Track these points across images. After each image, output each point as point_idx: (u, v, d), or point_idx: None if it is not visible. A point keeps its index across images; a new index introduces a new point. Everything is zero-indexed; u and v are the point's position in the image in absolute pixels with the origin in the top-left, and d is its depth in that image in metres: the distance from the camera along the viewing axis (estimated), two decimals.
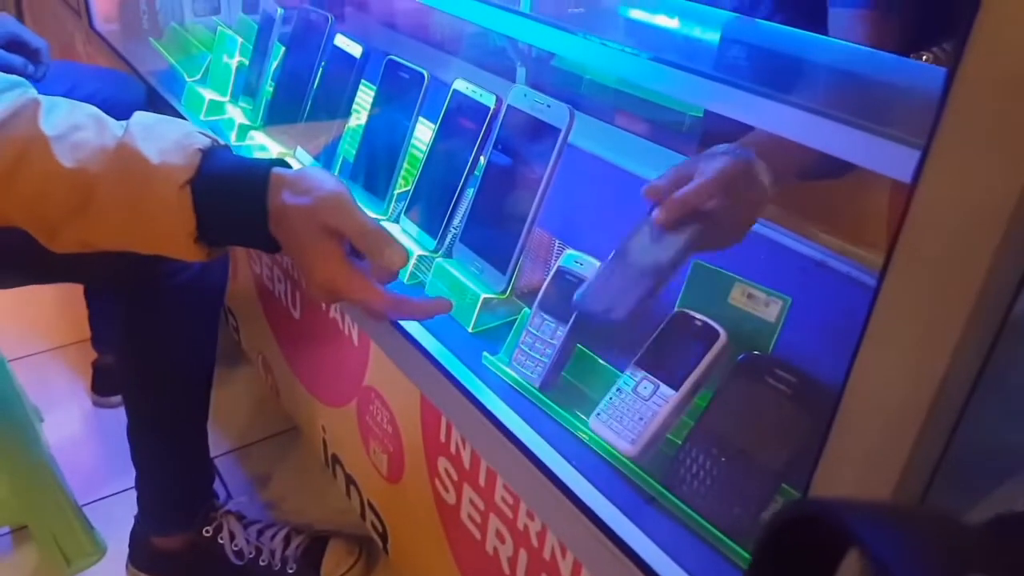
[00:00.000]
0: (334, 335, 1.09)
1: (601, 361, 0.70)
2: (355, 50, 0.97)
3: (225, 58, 1.30)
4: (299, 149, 1.05)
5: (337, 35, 1.01)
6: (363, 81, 1.00)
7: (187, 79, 1.35)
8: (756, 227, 0.96)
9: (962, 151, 0.34)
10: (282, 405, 1.43)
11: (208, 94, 1.23)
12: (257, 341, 1.44)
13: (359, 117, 1.00)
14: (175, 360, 1.02)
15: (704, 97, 0.66)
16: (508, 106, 0.78)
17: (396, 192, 0.92)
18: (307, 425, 1.33)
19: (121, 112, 1.24)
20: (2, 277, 0.93)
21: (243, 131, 1.15)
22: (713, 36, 0.80)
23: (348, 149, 1.02)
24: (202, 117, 1.22)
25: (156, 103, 1.31)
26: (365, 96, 1.01)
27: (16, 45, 1.13)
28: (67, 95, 1.16)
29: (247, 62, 1.26)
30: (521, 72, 1.24)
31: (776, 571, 0.34)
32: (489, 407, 0.69)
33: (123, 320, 1.00)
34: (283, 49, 1.16)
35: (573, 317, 0.69)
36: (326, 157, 1.02)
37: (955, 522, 0.31)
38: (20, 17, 2.47)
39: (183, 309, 0.96)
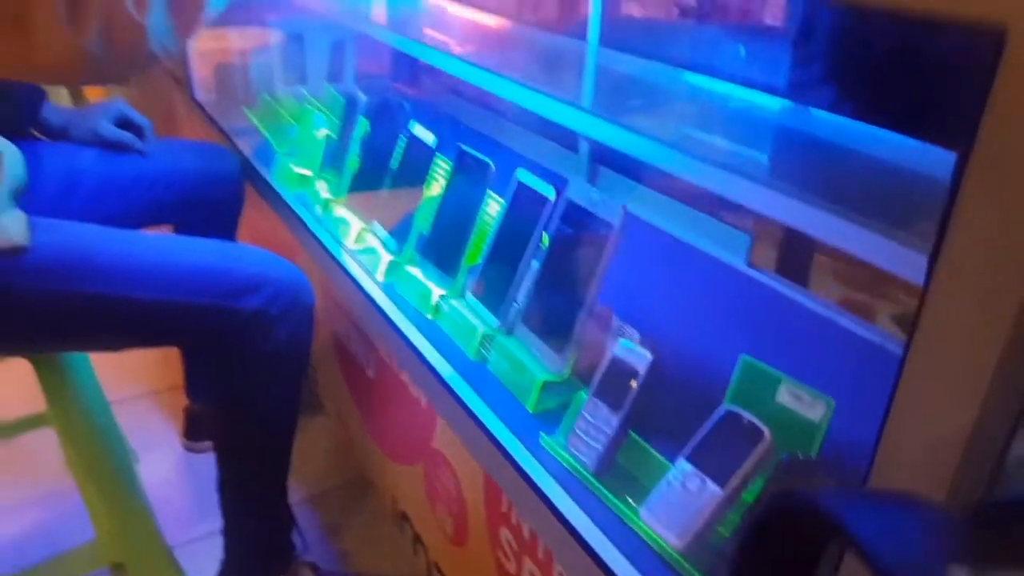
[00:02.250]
0: (405, 397, 1.15)
1: (653, 451, 0.73)
2: (428, 138, 1.04)
3: (312, 132, 1.40)
4: (375, 223, 1.12)
5: (414, 123, 1.09)
6: (437, 162, 1.06)
7: (277, 150, 1.46)
8: (813, 306, 0.97)
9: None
10: (355, 456, 1.50)
11: (297, 169, 1.33)
12: (333, 394, 1.52)
13: (432, 198, 1.07)
14: (263, 421, 1.10)
15: (753, 201, 0.70)
16: (566, 199, 0.83)
17: (464, 271, 0.98)
18: (378, 479, 1.40)
19: (218, 184, 1.36)
20: (105, 341, 1.02)
21: (326, 204, 1.24)
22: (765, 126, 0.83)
23: (423, 223, 1.08)
24: (291, 190, 1.32)
25: (250, 174, 1.42)
26: (438, 179, 1.08)
27: (126, 123, 1.25)
28: (168, 169, 1.28)
29: (334, 136, 1.35)
30: (584, 146, 1.29)
31: (760, 561, 0.34)
32: (544, 489, 0.73)
33: (216, 383, 1.08)
34: (366, 127, 1.25)
35: (626, 406, 0.72)
36: (402, 231, 1.08)
37: (940, 511, 0.32)
38: (128, 87, 2.68)
39: (272, 375, 1.04)
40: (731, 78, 1.03)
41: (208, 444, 1.56)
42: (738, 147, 0.88)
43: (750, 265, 1.09)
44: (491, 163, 0.94)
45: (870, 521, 0.29)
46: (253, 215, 1.48)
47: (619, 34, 1.24)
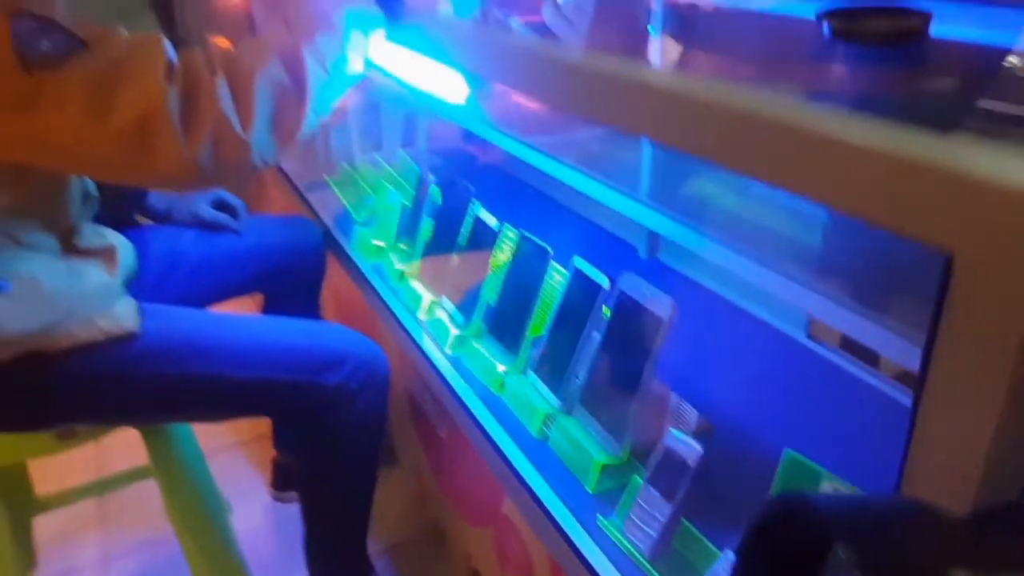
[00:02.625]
0: (474, 462, 1.21)
1: (705, 540, 0.77)
2: (492, 221, 1.11)
3: (387, 201, 1.49)
4: (444, 297, 1.19)
5: (479, 206, 1.16)
6: (501, 242, 1.13)
7: (356, 219, 1.56)
8: (876, 383, 0.98)
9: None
10: (430, 510, 1.56)
11: (374, 241, 1.42)
12: (408, 449, 1.60)
13: (497, 276, 1.13)
14: (344, 483, 1.18)
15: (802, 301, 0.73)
16: (619, 290, 0.88)
17: (527, 348, 1.03)
18: (452, 534, 1.46)
19: (303, 255, 1.46)
20: (205, 415, 1.13)
21: (400, 276, 1.32)
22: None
23: (489, 296, 1.15)
24: (368, 260, 1.41)
25: (331, 243, 1.52)
26: (502, 258, 1.14)
27: (222, 205, 1.37)
28: (259, 244, 1.39)
29: (408, 204, 1.44)
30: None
31: (763, 565, 0.33)
32: (600, 571, 0.77)
33: (301, 447, 1.17)
34: (438, 198, 1.33)
35: (679, 496, 0.76)
36: (469, 305, 1.15)
37: (939, 515, 0.31)
38: None
39: (352, 442, 1.12)
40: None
41: (294, 494, 1.66)
42: (789, 238, 0.91)
43: (810, 337, 1.11)
44: (550, 250, 1.00)
45: (868, 525, 0.28)
46: (336, 279, 1.58)
47: None
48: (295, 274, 1.43)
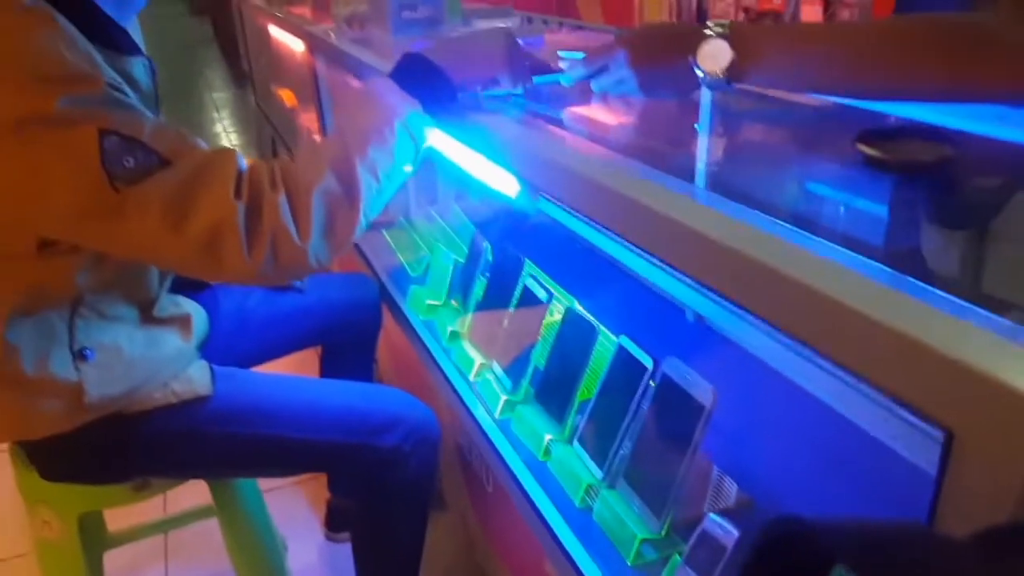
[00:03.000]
0: (519, 520, 1.25)
1: None
2: (542, 294, 1.16)
3: (441, 258, 1.55)
4: (494, 361, 1.25)
5: (528, 277, 1.21)
6: (551, 312, 1.18)
7: (411, 274, 1.63)
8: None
9: None
10: (477, 557, 1.61)
11: (428, 301, 1.48)
12: (456, 497, 1.64)
13: (546, 343, 1.18)
14: (395, 536, 1.24)
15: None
16: (662, 372, 0.92)
17: (572, 418, 1.07)
18: None
19: (360, 310, 1.53)
20: (267, 472, 1.20)
21: (452, 336, 1.38)
22: None
23: (538, 361, 1.19)
24: (421, 317, 1.48)
25: (387, 298, 1.59)
26: (550, 327, 1.19)
27: None
28: (320, 301, 1.46)
29: (461, 260, 1.50)
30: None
31: None
32: None
33: (354, 501, 1.24)
34: (489, 259, 1.39)
35: None
36: (517, 369, 1.20)
37: (942, 539, 0.32)
38: None
39: (403, 500, 1.18)
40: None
41: (347, 535, 1.72)
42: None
43: None
44: (597, 326, 1.04)
45: (870, 548, 0.28)
46: (391, 331, 1.64)
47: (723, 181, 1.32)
48: (353, 329, 1.50)
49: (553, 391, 1.11)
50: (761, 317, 0.53)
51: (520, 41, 0.99)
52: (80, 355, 0.95)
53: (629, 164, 0.77)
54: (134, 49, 0.93)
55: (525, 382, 1.17)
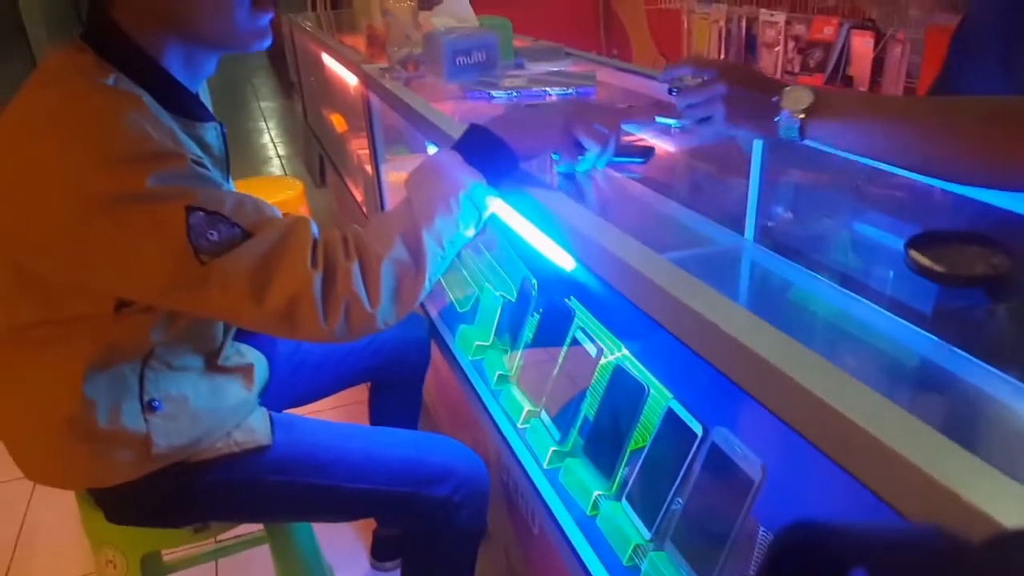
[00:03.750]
0: (565, 570, 1.26)
1: None
2: (592, 349, 1.18)
3: (490, 296, 1.58)
4: (543, 409, 1.27)
5: (579, 330, 1.23)
6: (600, 369, 1.19)
7: (460, 310, 1.66)
8: None
9: None
10: None
11: (477, 340, 1.51)
12: (501, 530, 1.67)
13: (596, 394, 1.19)
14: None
15: None
16: (712, 441, 0.93)
17: (621, 474, 1.09)
18: None
19: (410, 347, 1.56)
20: (320, 518, 1.24)
21: (501, 380, 1.40)
22: None
23: (588, 412, 1.21)
24: (470, 358, 1.50)
25: (435, 336, 1.62)
26: (600, 382, 1.20)
27: None
28: (372, 340, 1.49)
29: (511, 299, 1.52)
30: None
31: None
32: None
33: (403, 548, 1.27)
34: (540, 302, 1.41)
35: None
36: (566, 418, 1.22)
37: (957, 542, 0.31)
38: None
39: (451, 549, 1.21)
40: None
41: (393, 564, 1.76)
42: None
43: None
44: (647, 386, 1.05)
45: (885, 552, 0.28)
46: (439, 364, 1.67)
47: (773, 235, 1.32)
48: (402, 365, 1.54)
49: (602, 445, 1.13)
50: (794, 430, 0.55)
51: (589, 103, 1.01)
52: (149, 406, 0.99)
53: (672, 261, 0.79)
54: (206, 115, 0.97)
55: (574, 432, 1.19)
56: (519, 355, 1.42)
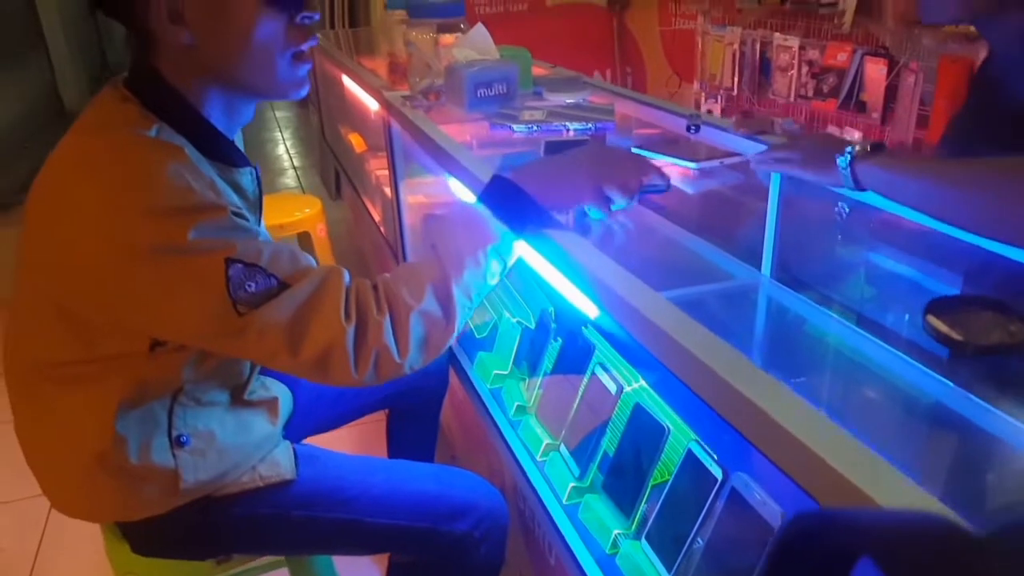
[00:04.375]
0: None
1: None
2: (612, 386, 1.20)
3: (509, 322, 1.60)
4: (562, 443, 1.28)
5: (598, 366, 1.25)
6: (620, 407, 1.21)
7: (478, 337, 1.68)
8: None
9: None
10: None
11: (495, 369, 1.53)
12: (519, 563, 1.68)
13: (616, 430, 1.21)
14: None
15: None
16: (732, 486, 0.94)
17: (640, 513, 1.10)
18: None
19: (428, 375, 1.58)
20: (343, 551, 1.25)
21: (520, 411, 1.42)
22: None
23: (609, 446, 1.22)
24: (488, 386, 1.52)
25: (454, 362, 1.64)
26: (620, 414, 1.22)
27: None
28: None
29: (531, 326, 1.54)
30: None
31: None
32: None
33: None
34: (557, 346, 1.42)
35: None
36: (585, 453, 1.23)
37: (963, 532, 0.31)
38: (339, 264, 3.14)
39: None
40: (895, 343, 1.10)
41: None
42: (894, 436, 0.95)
43: None
44: (667, 428, 1.07)
45: (892, 540, 0.29)
46: (456, 389, 1.69)
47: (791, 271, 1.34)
48: (421, 393, 1.56)
49: (622, 481, 1.15)
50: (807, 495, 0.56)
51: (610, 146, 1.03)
52: (177, 441, 1.01)
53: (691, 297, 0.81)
54: (242, 161, 1.00)
55: (593, 468, 1.21)
56: (538, 384, 1.44)
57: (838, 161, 0.90)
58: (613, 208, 1.01)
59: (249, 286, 0.84)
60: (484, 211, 0.94)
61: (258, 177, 1.04)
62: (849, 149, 0.90)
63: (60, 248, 0.87)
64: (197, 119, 0.93)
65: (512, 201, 0.95)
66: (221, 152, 0.96)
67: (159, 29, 0.88)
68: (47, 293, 0.92)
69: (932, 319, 0.73)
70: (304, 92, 0.98)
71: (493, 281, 0.96)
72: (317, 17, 0.96)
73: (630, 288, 0.89)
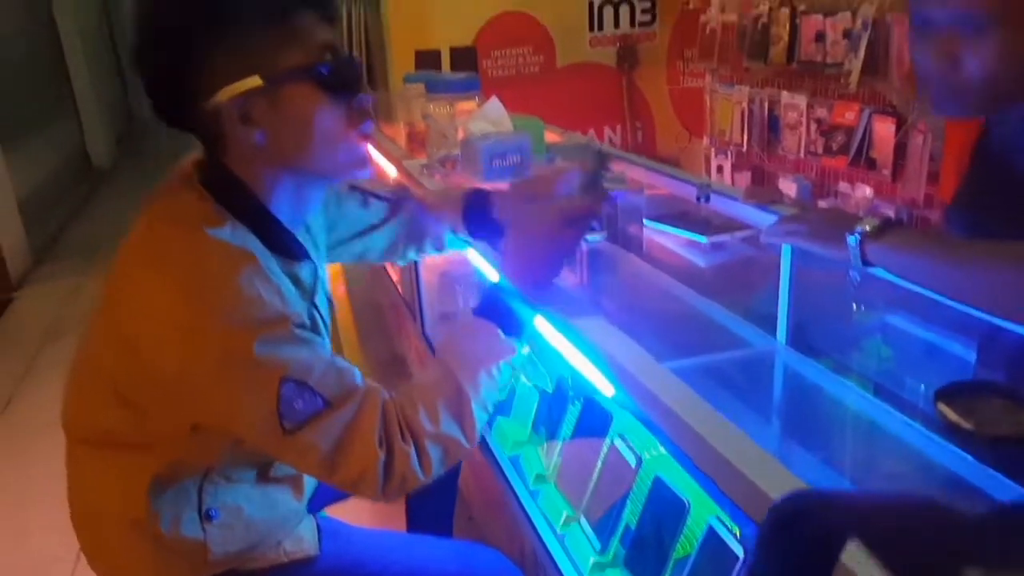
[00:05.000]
0: None
1: None
2: (631, 458, 1.21)
3: (527, 390, 1.61)
4: (582, 515, 1.29)
5: (617, 437, 1.26)
6: (638, 481, 1.21)
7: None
8: None
9: None
10: None
11: (513, 435, 1.54)
12: None
13: (636, 502, 1.21)
14: None
15: None
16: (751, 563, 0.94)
17: None
18: None
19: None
20: None
21: (539, 480, 1.43)
22: None
23: (630, 518, 1.22)
24: (507, 454, 1.53)
25: None
26: (641, 486, 1.22)
27: None
28: None
29: (549, 390, 1.55)
30: None
31: (778, 556, 0.33)
32: None
33: None
34: (576, 411, 1.44)
35: None
36: (606, 526, 1.23)
37: (956, 514, 0.31)
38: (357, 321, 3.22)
39: None
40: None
41: None
42: None
43: None
44: (687, 503, 1.08)
45: (883, 522, 0.28)
46: (476, 456, 1.70)
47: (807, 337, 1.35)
48: None
49: (644, 555, 1.14)
50: None
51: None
52: (207, 515, 1.03)
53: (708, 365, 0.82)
54: (303, 255, 1.04)
55: (615, 542, 1.21)
56: (557, 450, 1.45)
57: (848, 240, 0.92)
58: (590, 240, 1.05)
59: (297, 404, 0.87)
60: (492, 330, 0.99)
61: (316, 272, 1.08)
62: (859, 229, 0.92)
63: (126, 337, 0.91)
64: (265, 214, 0.98)
65: (512, 311, 1.00)
66: (284, 246, 1.00)
67: (230, 131, 0.92)
68: (107, 371, 0.96)
69: (943, 407, 0.75)
70: (368, 171, 1.03)
71: (505, 388, 1.02)
72: (371, 100, 1.00)
73: (644, 368, 0.91)
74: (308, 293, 1.05)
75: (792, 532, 0.33)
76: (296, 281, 1.01)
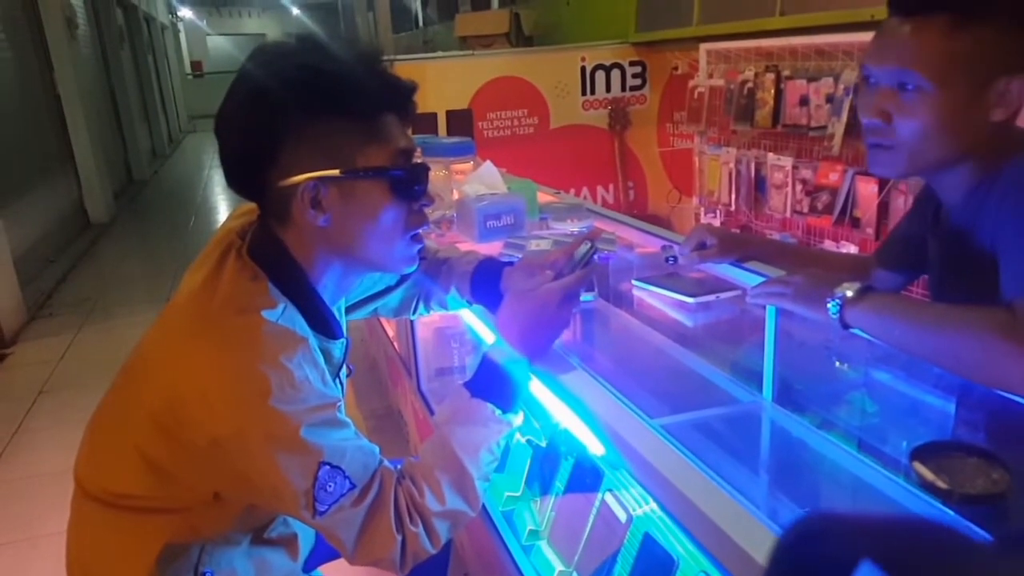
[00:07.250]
0: None
1: None
2: (622, 515, 1.23)
3: (519, 445, 1.63)
4: (575, 573, 1.30)
5: (607, 492, 1.28)
6: (629, 536, 1.23)
7: None
8: None
9: None
10: None
11: (508, 493, 1.55)
12: None
13: (627, 557, 1.23)
14: None
15: None
16: None
17: None
18: None
19: None
20: None
21: (532, 536, 1.44)
22: None
23: (621, 573, 1.24)
24: (500, 509, 1.54)
25: None
26: (632, 541, 1.24)
27: None
28: None
29: (542, 444, 1.57)
30: None
31: None
32: None
33: None
34: (569, 465, 1.46)
35: None
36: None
37: (966, 539, 0.31)
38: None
39: None
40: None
41: None
42: None
43: None
44: (676, 560, 1.09)
45: (896, 545, 0.28)
46: None
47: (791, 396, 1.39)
48: None
49: None
50: None
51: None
52: None
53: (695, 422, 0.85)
54: (340, 333, 1.08)
55: None
56: (550, 505, 1.46)
57: (828, 306, 0.96)
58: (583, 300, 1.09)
59: (330, 486, 0.91)
60: (489, 410, 1.02)
61: (347, 348, 1.11)
62: (840, 294, 0.96)
63: (169, 400, 0.92)
64: (313, 295, 1.02)
65: (508, 381, 1.04)
66: (326, 325, 1.04)
67: (297, 211, 0.97)
68: (136, 435, 0.97)
69: (918, 466, 0.78)
70: (415, 267, 1.09)
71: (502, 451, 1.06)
72: (433, 204, 1.08)
73: (633, 428, 0.94)
74: (335, 368, 1.09)
75: (805, 553, 0.33)
76: (328, 357, 1.04)
